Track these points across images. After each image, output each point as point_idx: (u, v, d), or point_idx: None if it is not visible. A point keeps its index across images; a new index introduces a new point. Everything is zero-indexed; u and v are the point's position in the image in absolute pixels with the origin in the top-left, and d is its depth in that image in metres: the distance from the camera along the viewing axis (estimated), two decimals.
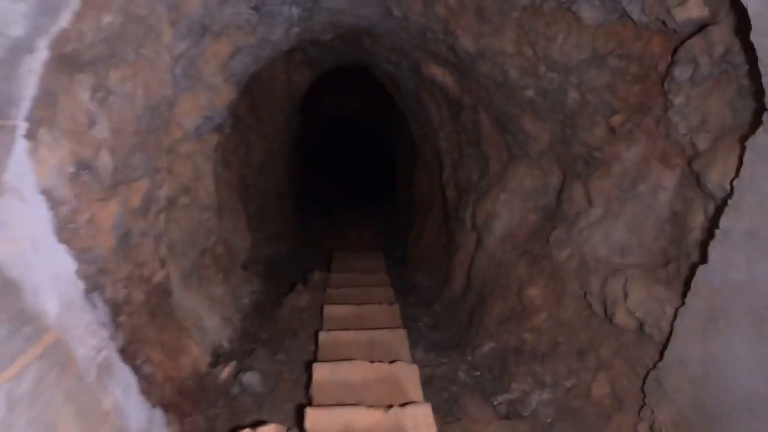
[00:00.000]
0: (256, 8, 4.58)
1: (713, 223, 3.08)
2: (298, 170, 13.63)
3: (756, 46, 2.39)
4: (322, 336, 4.82)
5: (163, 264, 4.30)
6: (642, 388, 3.69)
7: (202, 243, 5.40)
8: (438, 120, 7.32)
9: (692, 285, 3.12)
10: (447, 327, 6.73)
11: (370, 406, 3.46)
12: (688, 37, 3.53)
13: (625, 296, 3.97)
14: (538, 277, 5.63)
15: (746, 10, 2.36)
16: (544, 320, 5.64)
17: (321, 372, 4.02)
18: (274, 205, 10.35)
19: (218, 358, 4.97)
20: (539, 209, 5.68)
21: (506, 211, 5.92)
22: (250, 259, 9.04)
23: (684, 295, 3.26)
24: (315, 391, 3.88)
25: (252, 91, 8.06)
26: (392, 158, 14.40)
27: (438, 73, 6.17)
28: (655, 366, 3.56)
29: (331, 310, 5.49)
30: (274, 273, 8.62)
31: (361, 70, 11.41)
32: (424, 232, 9.28)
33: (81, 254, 2.80)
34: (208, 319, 5.74)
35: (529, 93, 5.11)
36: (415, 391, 3.87)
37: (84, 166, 2.83)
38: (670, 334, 3.38)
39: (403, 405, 3.47)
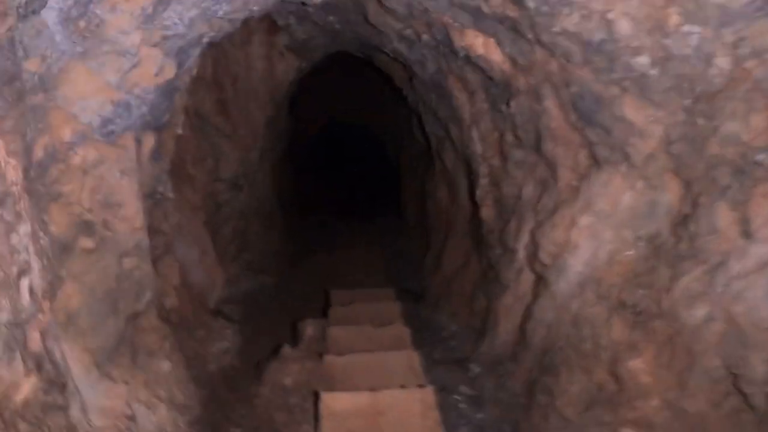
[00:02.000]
0: None
1: None
2: (289, 183, 11.69)
3: None
4: None
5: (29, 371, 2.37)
6: None
7: (129, 305, 3.46)
8: (470, 114, 5.42)
9: None
10: (495, 402, 4.81)
11: None
12: None
13: None
14: (646, 343, 3.81)
15: None
16: (657, 410, 3.79)
17: None
18: (257, 227, 8.40)
19: None
20: (643, 241, 3.79)
21: (589, 243, 4.03)
22: (226, 298, 7.12)
23: None
24: None
25: (221, 83, 6.15)
26: (396, 165, 12.49)
27: (478, 44, 4.29)
28: None
29: (332, 403, 3.55)
30: (256, 318, 6.69)
31: (361, 63, 9.56)
32: (445, 258, 7.35)
33: None
34: (145, 416, 3.79)
35: (642, 61, 3.22)
36: None
37: None
38: None
39: None
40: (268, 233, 8.87)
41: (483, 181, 5.55)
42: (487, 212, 5.64)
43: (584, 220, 4.03)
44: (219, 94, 6.16)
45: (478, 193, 5.63)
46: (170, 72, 3.35)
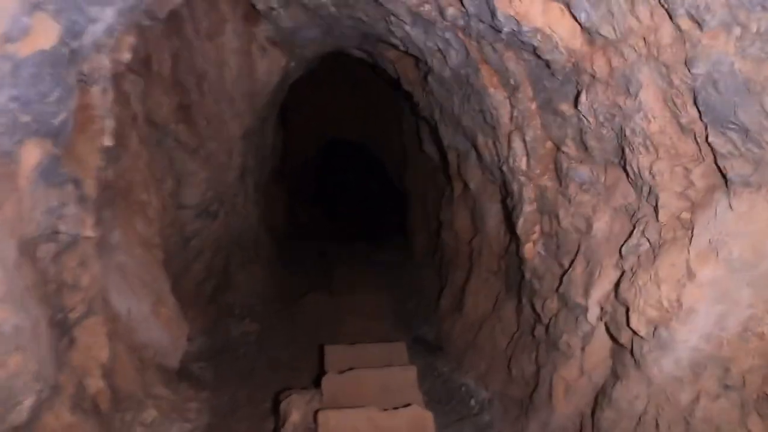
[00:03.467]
0: None
1: None
2: (281, 208, 10.31)
3: None
4: None
5: None
6: None
7: None
8: (510, 118, 4.08)
9: None
10: None
11: None
12: None
13: None
14: None
15: None
16: None
17: None
18: (239, 261, 7.01)
19: None
20: None
21: (712, 307, 2.65)
22: (197, 353, 5.72)
23: None
24: None
25: (183, 84, 4.81)
26: (400, 187, 11.13)
27: (536, 11, 2.95)
28: None
29: None
30: (233, 382, 5.28)
31: (361, 67, 8.33)
32: (468, 301, 5.94)
33: None
34: None
35: None
36: None
37: None
38: None
39: None
40: (253, 269, 7.47)
41: (527, 209, 4.16)
42: (532, 250, 4.24)
43: (707, 272, 2.64)
44: (181, 97, 4.80)
45: (521, 224, 4.23)
46: (49, 37, 1.97)
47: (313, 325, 6.47)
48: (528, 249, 4.31)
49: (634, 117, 2.83)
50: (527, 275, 4.45)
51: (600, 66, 2.93)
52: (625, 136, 2.97)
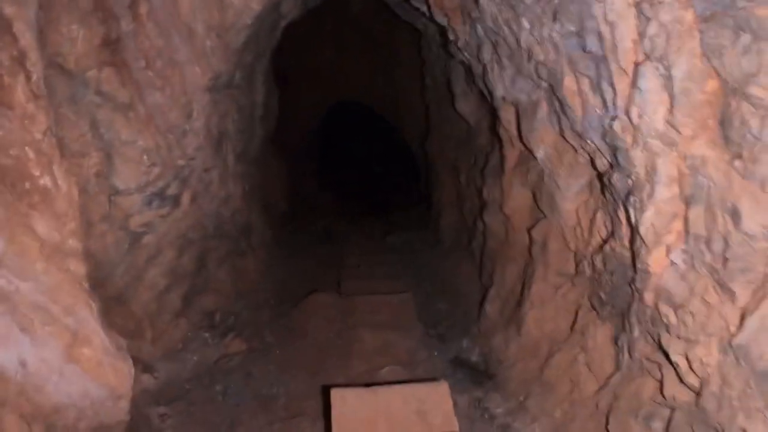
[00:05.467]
0: None
1: None
2: (281, 183, 8.68)
3: None
4: None
5: None
6: None
7: None
8: (636, 38, 2.37)
9: None
10: None
11: None
12: None
13: None
14: None
15: None
16: None
17: None
18: (219, 255, 5.43)
19: None
20: None
21: None
22: (153, 392, 4.23)
23: None
24: None
25: (109, 9, 3.13)
26: (422, 156, 9.44)
27: None
28: None
29: None
30: None
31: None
32: (528, 311, 4.32)
33: None
34: None
35: None
36: None
37: None
38: None
39: None
40: (241, 262, 5.89)
41: (663, 194, 2.49)
42: (663, 260, 2.60)
43: None
44: (106, 27, 3.13)
45: (648, 217, 2.58)
46: None
47: (317, 341, 4.90)
48: (656, 259, 2.66)
49: None
50: (647, 296, 2.81)
51: None
52: None
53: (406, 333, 5.02)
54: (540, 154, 3.78)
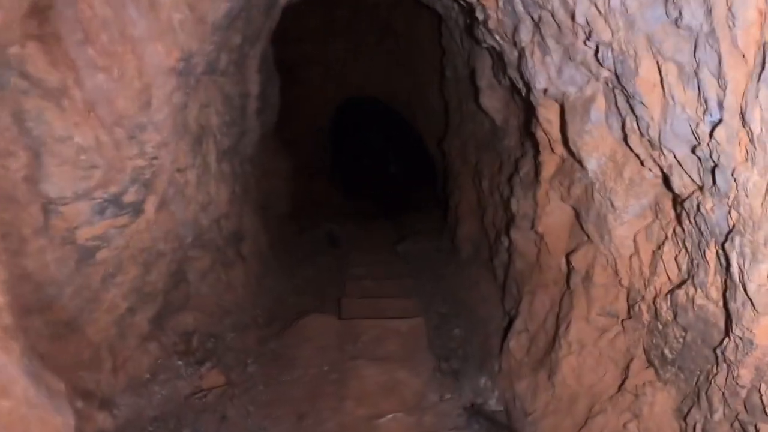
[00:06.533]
0: None
1: None
2: (283, 183, 7.94)
3: None
4: None
5: None
6: None
7: None
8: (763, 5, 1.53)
9: None
10: None
11: None
12: None
13: None
14: None
15: None
16: None
17: None
18: (202, 267, 4.72)
19: None
20: None
21: None
22: None
23: None
24: None
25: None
26: (440, 156, 8.65)
27: None
28: None
29: None
30: None
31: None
32: (564, 356, 3.52)
33: None
34: None
35: None
36: None
37: None
38: None
39: None
40: (229, 274, 5.15)
41: None
42: None
43: None
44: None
45: (765, 272, 1.77)
46: None
47: (309, 375, 4.14)
48: (766, 328, 1.87)
49: None
50: (744, 373, 2.03)
51: None
52: None
53: (414, 369, 4.25)
54: (591, 163, 2.97)
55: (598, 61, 2.56)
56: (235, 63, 4.32)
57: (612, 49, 2.39)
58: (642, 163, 2.69)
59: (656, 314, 2.82)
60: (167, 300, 4.34)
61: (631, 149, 2.68)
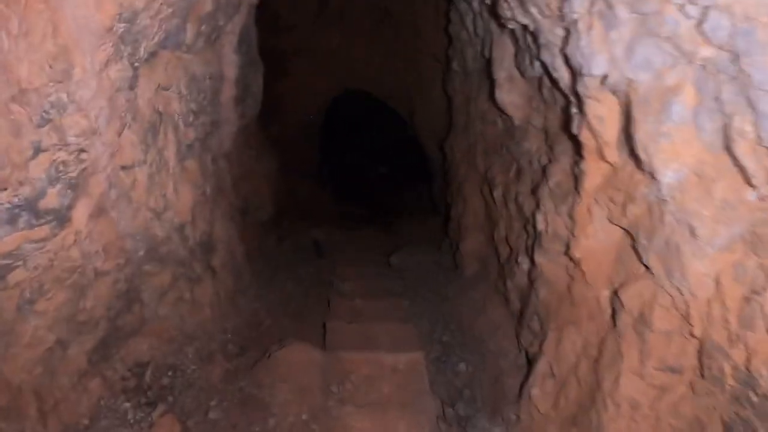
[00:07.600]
0: None
1: None
2: (267, 184, 7.15)
3: None
4: None
5: None
6: None
7: None
8: None
9: None
10: None
11: None
12: None
13: None
14: None
15: None
16: None
17: None
18: (162, 285, 3.92)
19: None
20: None
21: None
22: None
23: None
24: None
25: None
26: (441, 160, 7.90)
27: None
28: None
29: None
30: None
31: None
32: (609, 420, 2.77)
33: None
34: None
35: None
36: None
37: None
38: None
39: None
40: (195, 292, 4.35)
41: None
42: None
43: None
44: None
45: None
46: None
47: (285, 428, 3.35)
48: None
49: None
50: None
51: None
52: None
53: (415, 417, 3.48)
54: (667, 176, 2.22)
55: (700, 34, 1.80)
56: (205, 37, 3.53)
57: (733, 15, 1.63)
58: (749, 181, 1.95)
59: (744, 380, 2.08)
60: (115, 326, 3.54)
61: (735, 159, 1.94)
